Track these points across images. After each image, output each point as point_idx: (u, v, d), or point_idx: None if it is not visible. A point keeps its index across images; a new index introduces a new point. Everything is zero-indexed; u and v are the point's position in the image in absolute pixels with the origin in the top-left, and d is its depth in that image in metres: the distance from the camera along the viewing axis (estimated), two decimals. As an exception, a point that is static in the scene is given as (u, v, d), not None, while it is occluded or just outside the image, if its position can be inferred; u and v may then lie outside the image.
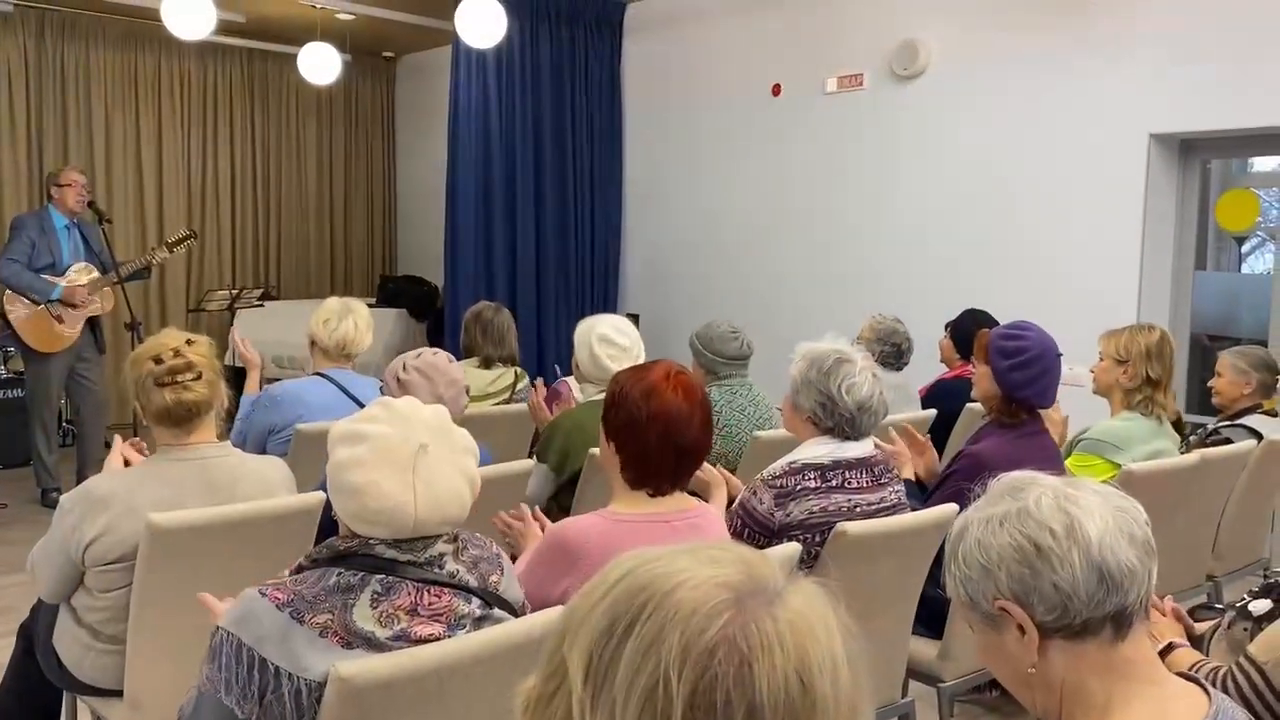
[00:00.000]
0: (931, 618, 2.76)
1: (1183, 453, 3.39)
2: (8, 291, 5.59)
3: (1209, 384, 3.88)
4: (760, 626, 0.76)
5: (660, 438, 2.04)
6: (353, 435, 1.65)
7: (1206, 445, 3.51)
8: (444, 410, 1.74)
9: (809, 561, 2.36)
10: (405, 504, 1.59)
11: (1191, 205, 5.15)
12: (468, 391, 2.98)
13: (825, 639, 0.78)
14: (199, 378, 2.36)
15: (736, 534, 2.40)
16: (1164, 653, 1.79)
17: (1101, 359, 3.42)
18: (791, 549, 2.24)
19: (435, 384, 2.79)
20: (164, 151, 8.34)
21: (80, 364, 5.76)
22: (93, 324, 5.80)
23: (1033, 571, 1.19)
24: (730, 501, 2.59)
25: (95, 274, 5.70)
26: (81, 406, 5.94)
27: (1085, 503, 1.21)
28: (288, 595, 1.57)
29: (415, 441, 1.62)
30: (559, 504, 3.31)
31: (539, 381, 3.83)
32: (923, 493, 3.03)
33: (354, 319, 3.65)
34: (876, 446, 2.78)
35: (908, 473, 3.04)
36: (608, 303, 7.29)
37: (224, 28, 7.01)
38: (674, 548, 0.83)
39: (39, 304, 5.54)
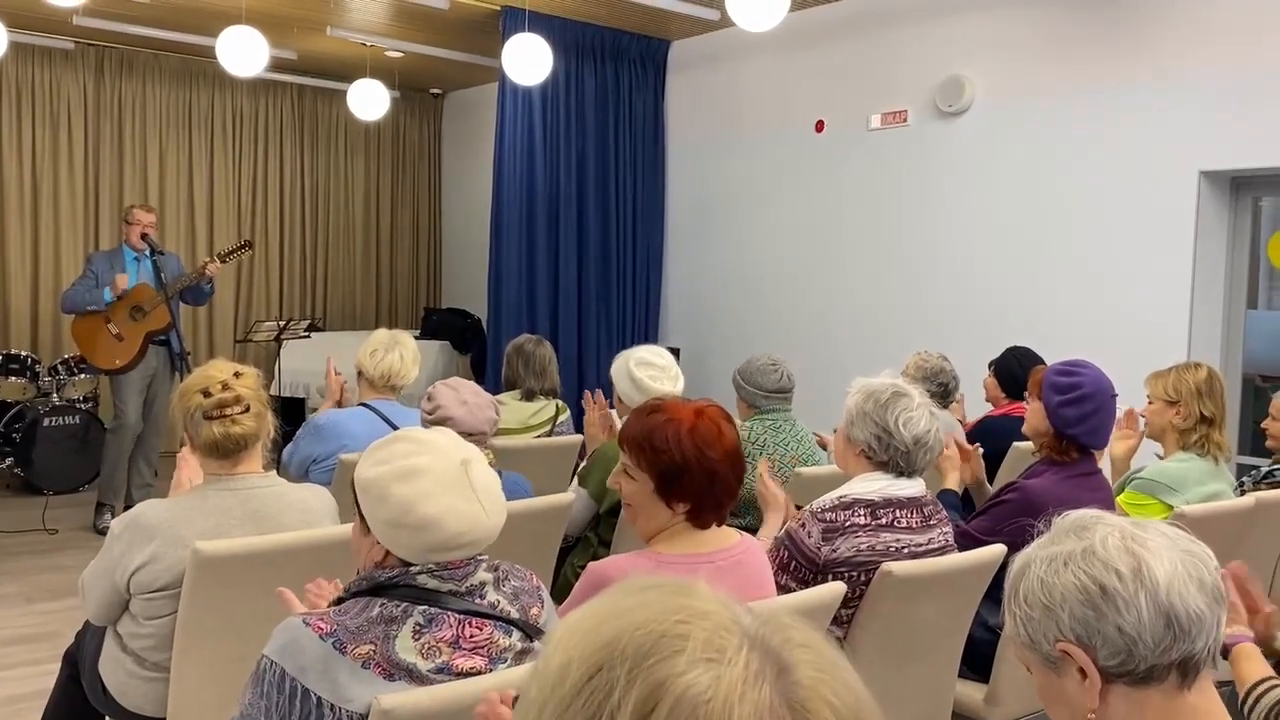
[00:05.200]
0: (978, 659, 2.71)
1: (1237, 495, 3.32)
2: (75, 318, 5.85)
3: (1262, 425, 3.80)
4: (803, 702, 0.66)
5: (680, 441, 2.01)
6: (407, 472, 1.63)
7: (1260, 488, 3.43)
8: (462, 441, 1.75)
9: (854, 601, 2.33)
10: (479, 516, 1.63)
11: (1243, 244, 5.07)
12: (497, 411, 3.02)
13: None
14: (246, 410, 2.39)
15: (782, 565, 2.37)
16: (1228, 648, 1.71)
17: (1151, 401, 3.35)
18: (836, 589, 2.21)
19: (460, 391, 2.95)
20: (215, 185, 8.52)
21: (150, 390, 5.95)
22: (169, 350, 5.93)
23: (1097, 614, 1.16)
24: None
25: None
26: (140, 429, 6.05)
27: (1153, 545, 1.18)
28: (330, 625, 1.57)
29: (458, 459, 1.65)
30: (600, 537, 3.30)
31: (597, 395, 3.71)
32: (964, 504, 2.99)
33: (400, 351, 3.70)
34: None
35: (952, 481, 3.01)
36: (649, 336, 7.30)
37: (276, 64, 7.17)
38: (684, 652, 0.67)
39: (98, 314, 5.74)
